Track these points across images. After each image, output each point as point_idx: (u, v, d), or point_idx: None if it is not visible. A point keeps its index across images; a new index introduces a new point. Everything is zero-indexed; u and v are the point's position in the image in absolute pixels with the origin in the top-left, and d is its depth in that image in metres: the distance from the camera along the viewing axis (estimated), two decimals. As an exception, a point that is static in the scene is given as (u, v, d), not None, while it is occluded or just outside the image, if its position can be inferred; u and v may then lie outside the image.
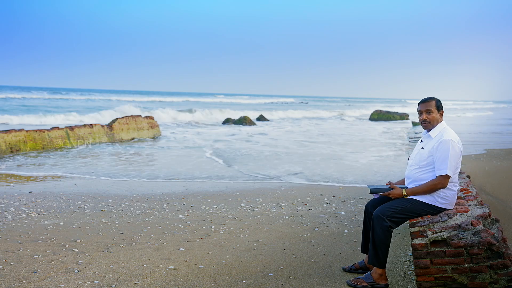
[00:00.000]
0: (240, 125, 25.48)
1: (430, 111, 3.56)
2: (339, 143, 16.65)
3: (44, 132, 14.02)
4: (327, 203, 6.77)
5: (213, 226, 5.51)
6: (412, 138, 17.85)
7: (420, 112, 3.62)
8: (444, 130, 3.52)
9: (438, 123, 3.56)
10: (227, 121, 27.46)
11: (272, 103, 69.70)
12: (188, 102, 58.33)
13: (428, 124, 3.57)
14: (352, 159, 12.13)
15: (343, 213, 6.13)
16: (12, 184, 8.42)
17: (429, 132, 3.57)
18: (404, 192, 3.51)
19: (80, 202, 6.82)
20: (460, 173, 4.76)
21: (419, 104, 3.64)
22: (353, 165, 11.09)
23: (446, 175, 3.38)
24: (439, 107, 3.58)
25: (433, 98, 3.60)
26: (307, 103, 76.57)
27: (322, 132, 22.12)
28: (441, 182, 3.40)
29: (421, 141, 3.67)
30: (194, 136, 19.04)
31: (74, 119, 26.30)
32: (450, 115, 41.57)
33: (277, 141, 17.05)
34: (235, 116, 29.67)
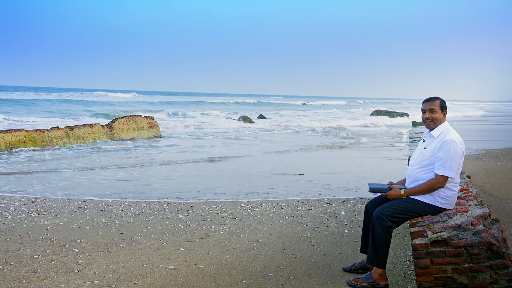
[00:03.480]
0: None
1: (434, 110, 3.56)
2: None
3: (44, 132, 14.02)
4: (327, 203, 6.77)
5: (213, 226, 5.50)
6: (412, 138, 17.77)
7: (423, 111, 3.61)
8: (447, 130, 3.52)
9: (441, 123, 3.56)
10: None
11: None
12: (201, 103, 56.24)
13: (430, 123, 3.57)
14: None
15: (343, 213, 6.13)
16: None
17: (432, 132, 3.57)
18: (402, 192, 3.51)
19: (80, 202, 6.82)
20: (461, 173, 4.76)
21: (423, 102, 3.63)
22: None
23: (445, 176, 3.38)
24: (443, 107, 3.57)
25: (438, 98, 3.60)
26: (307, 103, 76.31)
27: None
28: (439, 181, 3.40)
29: (423, 141, 3.66)
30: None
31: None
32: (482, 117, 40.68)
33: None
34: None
